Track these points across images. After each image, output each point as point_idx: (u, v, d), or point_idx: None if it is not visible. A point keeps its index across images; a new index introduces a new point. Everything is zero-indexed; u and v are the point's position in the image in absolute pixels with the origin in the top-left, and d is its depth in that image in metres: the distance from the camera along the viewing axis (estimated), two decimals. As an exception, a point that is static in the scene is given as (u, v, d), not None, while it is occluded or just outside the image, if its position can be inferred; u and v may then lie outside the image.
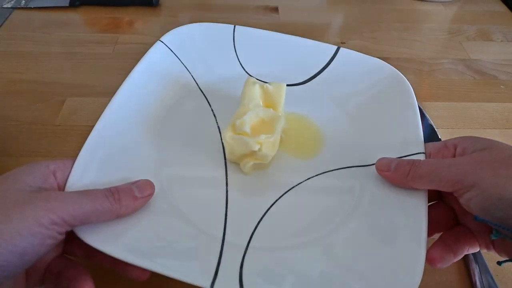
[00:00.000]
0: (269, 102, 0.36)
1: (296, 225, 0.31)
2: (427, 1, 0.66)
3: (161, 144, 0.35)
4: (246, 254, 0.28)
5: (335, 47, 0.42)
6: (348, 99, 0.40)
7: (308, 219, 0.31)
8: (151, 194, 0.29)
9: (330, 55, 0.41)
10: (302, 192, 0.33)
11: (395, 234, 0.28)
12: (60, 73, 0.49)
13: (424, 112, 0.45)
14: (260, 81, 0.36)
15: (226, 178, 0.34)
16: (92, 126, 0.42)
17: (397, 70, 0.39)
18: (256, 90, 0.35)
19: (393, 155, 0.32)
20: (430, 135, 0.43)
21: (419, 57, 0.55)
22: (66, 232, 0.25)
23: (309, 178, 0.34)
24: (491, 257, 0.33)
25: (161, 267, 0.26)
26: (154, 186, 0.29)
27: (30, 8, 0.59)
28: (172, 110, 0.38)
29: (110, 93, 0.45)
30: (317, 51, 0.42)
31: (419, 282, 0.25)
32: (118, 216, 0.27)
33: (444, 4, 0.66)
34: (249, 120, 0.33)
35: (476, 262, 0.33)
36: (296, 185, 0.33)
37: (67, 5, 0.60)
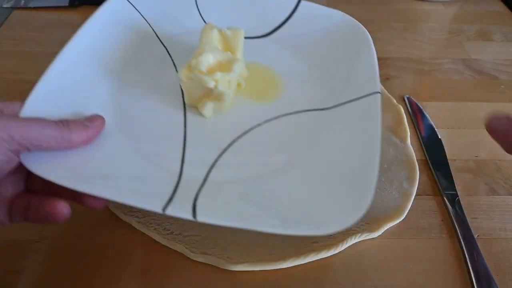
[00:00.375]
0: (228, 47, 0.36)
1: (254, 161, 0.32)
2: (427, 1, 0.66)
3: (118, 86, 0.35)
4: (204, 186, 0.29)
5: (296, 0, 0.42)
6: (308, 49, 0.41)
7: (266, 156, 0.32)
8: (101, 124, 0.29)
9: (291, 8, 0.42)
10: (261, 132, 0.34)
11: (348, 170, 0.29)
12: (60, 73, 0.49)
13: (424, 112, 0.45)
14: (217, 27, 0.36)
15: (185, 120, 0.34)
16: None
17: (355, 20, 0.41)
18: (214, 35, 0.36)
19: (350, 97, 0.34)
20: (430, 134, 0.43)
21: (419, 56, 0.55)
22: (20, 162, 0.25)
23: (268, 120, 0.35)
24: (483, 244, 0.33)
25: (108, 191, 0.25)
26: (104, 118, 0.30)
27: (30, 8, 0.59)
28: (131, 57, 0.38)
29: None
30: (278, 4, 0.43)
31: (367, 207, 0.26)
32: (70, 144, 0.27)
33: (444, 4, 0.66)
34: (205, 60, 0.33)
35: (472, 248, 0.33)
36: (256, 126, 0.34)
37: (67, 4, 0.60)
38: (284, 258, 0.32)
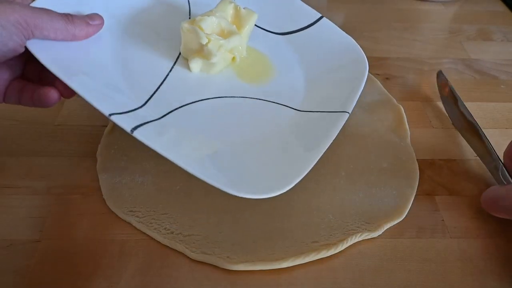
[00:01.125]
0: (237, 23, 0.39)
1: (208, 124, 0.35)
2: (427, 0, 0.66)
3: (127, 22, 0.39)
4: (155, 122, 0.32)
5: (319, 15, 0.44)
6: (310, 60, 0.42)
7: (224, 125, 0.35)
8: (101, 24, 0.34)
9: (313, 20, 0.44)
10: (232, 103, 0.37)
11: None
12: (60, 72, 0.49)
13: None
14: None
15: (173, 66, 0.38)
16: (92, 126, 0.42)
17: (361, 52, 0.41)
18: (229, 8, 0.39)
19: (324, 109, 0.37)
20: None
21: (419, 56, 0.55)
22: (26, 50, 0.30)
23: (243, 97, 0.38)
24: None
25: (79, 86, 0.29)
26: (103, 18, 0.34)
27: (30, 7, 0.59)
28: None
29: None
30: (303, 12, 0.45)
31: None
32: (73, 37, 0.31)
33: (444, 4, 0.66)
34: (210, 21, 0.37)
35: None
36: (229, 97, 0.38)
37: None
38: (284, 257, 0.32)
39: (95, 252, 0.33)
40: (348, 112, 0.35)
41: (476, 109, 0.47)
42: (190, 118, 0.35)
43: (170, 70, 0.38)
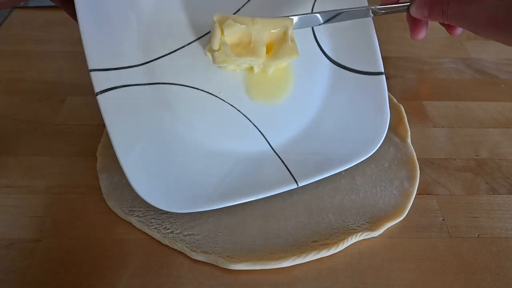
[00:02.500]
0: (275, 46, 0.36)
1: None
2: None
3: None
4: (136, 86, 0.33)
5: (381, 70, 0.40)
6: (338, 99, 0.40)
7: None
8: None
9: (370, 70, 0.40)
10: (220, 107, 0.37)
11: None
12: (60, 72, 0.49)
13: None
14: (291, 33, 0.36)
15: (193, 41, 0.37)
16: (92, 125, 0.42)
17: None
18: (280, 27, 0.35)
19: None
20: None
21: (419, 56, 0.55)
22: None
23: (235, 108, 0.37)
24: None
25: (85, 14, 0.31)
26: None
27: (30, 7, 0.59)
28: None
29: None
30: (369, 56, 0.41)
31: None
32: None
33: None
34: (235, 30, 0.34)
35: None
36: (221, 100, 0.37)
37: (67, 4, 0.60)
38: (284, 257, 0.32)
39: (95, 251, 0.33)
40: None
41: (476, 109, 0.47)
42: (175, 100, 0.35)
43: (188, 44, 0.37)
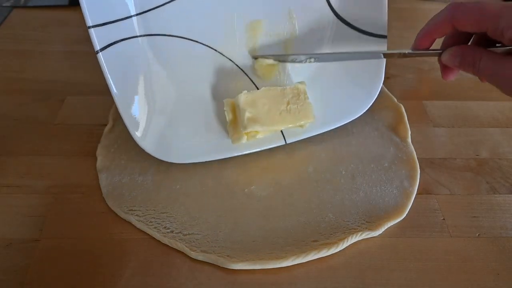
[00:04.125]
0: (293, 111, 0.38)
1: None
2: (428, 0, 0.66)
3: None
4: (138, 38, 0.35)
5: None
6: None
7: None
8: None
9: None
10: (223, 63, 0.40)
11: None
12: (60, 72, 0.49)
13: None
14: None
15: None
16: (92, 125, 0.42)
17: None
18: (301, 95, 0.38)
19: None
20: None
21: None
22: None
23: (235, 65, 0.40)
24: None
25: None
26: None
27: (29, 6, 0.59)
28: None
29: (109, 92, 0.45)
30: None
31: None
32: None
33: (445, 3, 0.66)
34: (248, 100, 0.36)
35: None
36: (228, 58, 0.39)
37: (67, 3, 0.60)
38: (284, 256, 0.32)
39: (95, 251, 0.33)
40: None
41: (476, 108, 0.47)
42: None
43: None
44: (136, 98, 0.35)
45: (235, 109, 0.37)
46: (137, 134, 0.35)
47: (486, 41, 0.31)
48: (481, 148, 0.42)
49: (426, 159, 0.41)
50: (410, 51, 0.34)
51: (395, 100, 0.46)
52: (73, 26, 0.57)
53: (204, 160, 0.37)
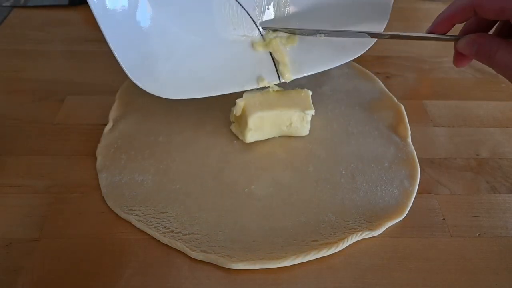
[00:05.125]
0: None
1: None
2: (428, 0, 0.66)
3: None
4: None
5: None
6: None
7: None
8: None
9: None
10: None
11: None
12: (60, 71, 0.49)
13: None
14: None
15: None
16: (92, 125, 0.42)
17: None
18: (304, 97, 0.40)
19: None
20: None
21: (419, 55, 0.55)
22: None
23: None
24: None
25: None
26: None
27: (29, 6, 0.59)
28: None
29: (109, 91, 0.45)
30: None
31: None
32: None
33: (445, 3, 0.66)
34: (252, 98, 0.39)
35: None
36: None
37: (66, 3, 0.60)
38: (284, 256, 0.32)
39: (94, 251, 0.33)
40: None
41: (476, 108, 0.47)
42: None
43: None
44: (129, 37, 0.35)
45: (243, 111, 0.39)
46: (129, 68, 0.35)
47: (508, 31, 0.31)
48: (481, 148, 0.42)
49: (426, 158, 0.41)
50: (426, 34, 0.33)
51: (395, 99, 0.46)
52: (73, 26, 0.57)
53: (200, 95, 0.37)
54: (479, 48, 0.30)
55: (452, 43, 0.33)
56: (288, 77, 0.39)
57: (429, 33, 0.34)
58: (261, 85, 0.39)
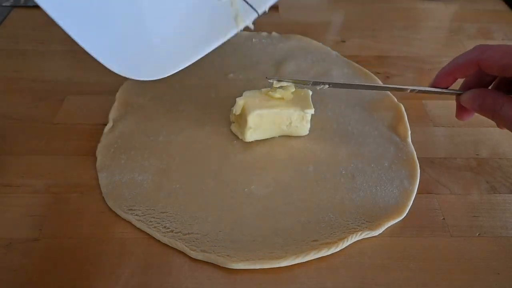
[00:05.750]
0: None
1: None
2: (428, 0, 0.66)
3: None
4: None
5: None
6: None
7: None
8: None
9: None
10: None
11: None
12: (60, 71, 0.49)
13: None
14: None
15: None
16: (92, 125, 0.42)
17: None
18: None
19: None
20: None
21: (419, 55, 0.55)
22: None
23: None
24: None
25: None
26: None
27: (29, 6, 0.59)
28: None
29: (109, 91, 0.45)
30: None
31: None
32: None
33: (445, 3, 0.66)
34: (253, 100, 0.39)
35: None
36: None
37: (67, 3, 0.60)
38: (284, 256, 0.32)
39: (94, 251, 0.32)
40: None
41: (476, 108, 0.47)
42: None
43: None
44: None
45: (243, 109, 0.39)
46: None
47: (506, 86, 0.31)
48: (481, 148, 0.42)
49: (426, 158, 0.41)
50: (429, 88, 0.34)
51: (395, 99, 0.46)
52: (73, 25, 0.57)
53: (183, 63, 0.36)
54: (483, 103, 0.31)
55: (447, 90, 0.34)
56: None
57: (431, 86, 0.34)
58: (241, 25, 0.37)
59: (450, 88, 0.34)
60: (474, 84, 0.33)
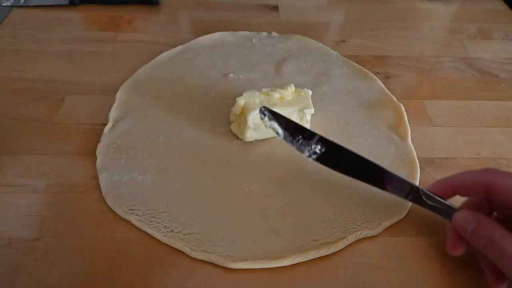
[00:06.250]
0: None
1: None
2: (428, 0, 0.66)
3: None
4: None
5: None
6: None
7: None
8: None
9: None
10: None
11: None
12: (60, 71, 0.49)
13: None
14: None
15: None
16: (92, 125, 0.42)
17: None
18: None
19: None
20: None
21: (419, 55, 0.55)
22: None
23: None
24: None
25: None
26: None
27: (29, 6, 0.59)
28: None
29: (109, 91, 0.46)
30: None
31: None
32: None
33: (445, 3, 0.66)
34: (254, 100, 0.39)
35: None
36: None
37: (67, 3, 0.60)
38: (284, 256, 0.32)
39: (94, 250, 0.32)
40: None
41: (476, 108, 0.47)
42: None
43: None
44: None
45: (243, 109, 0.39)
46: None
47: (505, 222, 0.28)
48: (481, 148, 0.42)
49: (426, 158, 0.41)
50: (423, 189, 0.31)
51: (395, 99, 0.46)
52: (73, 26, 0.57)
53: None
54: (478, 227, 0.27)
55: None
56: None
57: (428, 190, 0.32)
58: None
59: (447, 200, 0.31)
60: (472, 208, 0.29)
